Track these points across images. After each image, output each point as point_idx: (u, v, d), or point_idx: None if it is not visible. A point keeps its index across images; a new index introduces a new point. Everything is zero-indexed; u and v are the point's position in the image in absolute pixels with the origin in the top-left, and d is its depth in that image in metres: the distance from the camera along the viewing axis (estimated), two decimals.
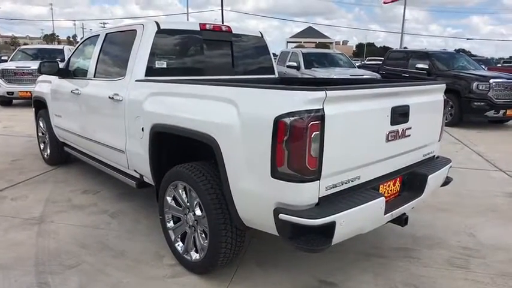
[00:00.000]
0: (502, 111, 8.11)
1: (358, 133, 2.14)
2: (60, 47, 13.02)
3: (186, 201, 2.64)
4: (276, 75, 4.19)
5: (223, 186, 2.27)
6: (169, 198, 2.79)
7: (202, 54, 3.55)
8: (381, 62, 21.76)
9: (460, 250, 3.08)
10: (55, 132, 4.74)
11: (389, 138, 2.35)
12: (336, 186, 2.09)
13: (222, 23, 46.70)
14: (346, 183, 2.15)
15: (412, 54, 10.05)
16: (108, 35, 3.76)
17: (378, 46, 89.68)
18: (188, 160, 2.70)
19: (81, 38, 5.45)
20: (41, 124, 5.21)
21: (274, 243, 3.04)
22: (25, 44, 41.59)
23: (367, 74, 9.53)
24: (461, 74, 8.59)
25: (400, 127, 2.41)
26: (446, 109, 2.96)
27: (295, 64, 10.12)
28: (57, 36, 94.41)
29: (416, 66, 9.23)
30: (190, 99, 2.50)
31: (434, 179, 2.68)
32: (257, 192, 2.07)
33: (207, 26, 3.53)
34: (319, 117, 1.88)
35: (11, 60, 11.93)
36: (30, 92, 10.35)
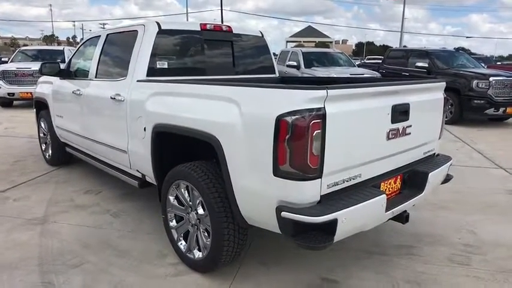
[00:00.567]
0: (501, 109, 8.13)
1: (359, 131, 2.16)
2: (60, 48, 13.03)
3: (188, 200, 2.66)
4: (277, 74, 4.21)
5: (226, 185, 2.29)
6: (171, 198, 2.81)
7: (203, 54, 3.57)
8: (380, 61, 21.81)
9: (461, 247, 3.09)
10: (56, 132, 4.76)
11: (390, 136, 2.37)
12: (338, 184, 2.11)
13: (222, 23, 46.66)
14: (347, 181, 2.16)
15: (412, 53, 10.07)
16: (109, 36, 3.77)
17: (378, 45, 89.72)
18: (189, 160, 2.72)
19: (81, 39, 5.47)
20: (43, 125, 5.23)
21: (276, 241, 3.06)
22: (24, 45, 41.60)
23: (367, 73, 9.54)
24: (461, 72, 8.61)
25: (400, 125, 2.42)
26: (446, 107, 2.97)
27: (295, 63, 10.14)
28: (57, 37, 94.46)
29: (416, 64, 9.24)
30: (191, 99, 2.52)
31: (434, 177, 2.70)
32: (259, 190, 2.09)
33: (208, 26, 3.55)
34: (321, 115, 1.90)
35: (11, 62, 11.95)
36: (30, 93, 10.43)
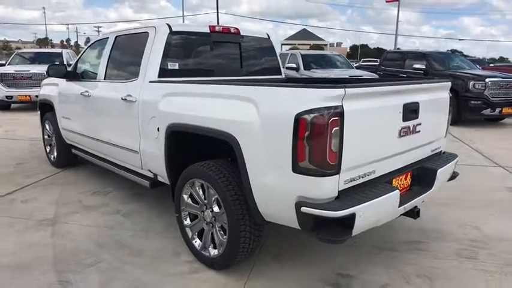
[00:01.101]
0: (498, 109, 8.28)
1: (373, 129, 2.23)
2: (58, 50, 13.01)
3: (203, 198, 2.71)
4: (283, 75, 4.28)
5: (243, 182, 2.34)
6: (185, 196, 2.85)
7: (212, 55, 3.63)
8: (375, 63, 21.99)
9: (467, 242, 3.17)
10: (62, 134, 4.78)
11: (402, 134, 2.44)
12: (354, 180, 2.17)
13: (218, 23, 46.59)
14: (362, 177, 2.23)
15: (409, 55, 10.21)
16: (118, 38, 3.82)
17: (372, 47, 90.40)
18: (202, 159, 2.77)
19: (76, 42, 5.50)
20: (47, 127, 5.24)
21: (288, 238, 3.12)
22: (18, 48, 41.30)
23: (365, 75, 9.65)
24: (458, 73, 8.76)
25: (411, 123, 2.50)
26: (451, 106, 3.06)
27: (294, 65, 10.23)
28: (51, 40, 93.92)
29: (413, 66, 9.38)
30: (207, 99, 2.57)
31: (442, 173, 2.78)
32: (278, 187, 2.15)
33: (217, 28, 3.61)
34: (339, 113, 1.96)
35: (8, 64, 11.91)
36: (29, 96, 10.44)
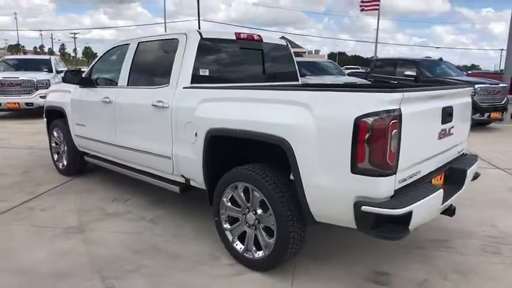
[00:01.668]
0: (486, 114, 8.69)
1: (420, 131, 2.36)
2: (46, 57, 12.70)
3: (245, 201, 2.76)
4: (300, 81, 4.39)
5: (296, 184, 2.41)
6: (225, 200, 2.89)
7: (238, 61, 3.71)
8: (358, 71, 22.50)
9: (488, 239, 3.35)
10: (75, 141, 4.72)
11: (440, 136, 2.59)
12: (405, 180, 2.29)
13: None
14: (411, 177, 2.35)
15: (400, 62, 10.57)
16: (141, 44, 3.83)
17: (349, 55, 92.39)
18: (240, 163, 2.83)
19: (49, 49, 5.45)
20: (56, 134, 5.15)
21: (324, 240, 3.21)
22: None
23: (358, 81, 9.90)
24: (448, 79, 9.14)
25: (447, 126, 2.65)
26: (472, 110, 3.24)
27: None
28: (23, 46, 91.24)
29: (404, 73, 9.72)
30: (255, 104, 2.64)
31: (471, 173, 2.94)
32: (334, 187, 2.23)
33: (242, 35, 3.69)
34: (397, 116, 2.08)
35: None
36: (18, 103, 10.17)
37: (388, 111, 2.06)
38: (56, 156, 5.28)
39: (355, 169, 2.13)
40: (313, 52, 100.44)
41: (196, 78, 3.27)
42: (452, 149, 2.92)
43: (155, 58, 3.73)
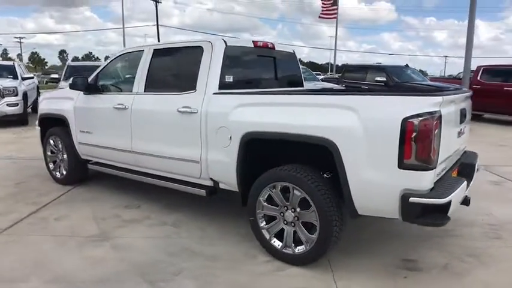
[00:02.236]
0: None
1: (449, 130, 2.66)
2: (10, 63, 12.02)
3: (284, 200, 2.92)
4: (305, 87, 4.62)
5: (341, 182, 2.61)
6: (262, 199, 3.03)
7: (255, 68, 3.88)
8: (334, 77, 23.26)
9: (488, 226, 3.74)
10: (79, 149, 4.61)
11: (459, 135, 2.92)
12: (439, 174, 2.57)
13: (158, 38, 45.68)
14: (442, 171, 2.64)
15: (370, 68, 11.21)
16: (158, 51, 3.87)
17: (305, 61, 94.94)
18: (275, 164, 3.00)
19: None
20: (52, 142, 4.99)
21: (347, 236, 3.42)
22: None
23: (335, 87, 10.36)
24: (416, 84, 9.84)
25: (462, 126, 2.99)
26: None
27: None
28: None
29: (375, 78, 10.32)
30: (297, 108, 2.82)
31: (477, 167, 3.31)
32: (382, 182, 2.46)
33: (258, 43, 3.86)
34: (439, 117, 2.36)
35: None
36: None
37: (431, 113, 2.33)
38: (52, 166, 5.11)
39: (402, 165, 2.37)
40: None
41: (222, 84, 3.39)
42: (462, 146, 3.27)
43: (176, 65, 3.80)
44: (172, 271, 2.89)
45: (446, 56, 68.30)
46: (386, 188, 2.45)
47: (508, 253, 3.21)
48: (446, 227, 3.64)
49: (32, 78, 12.35)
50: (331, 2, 31.22)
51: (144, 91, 3.86)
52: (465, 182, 2.69)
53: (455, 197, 2.47)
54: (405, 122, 2.33)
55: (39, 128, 5.18)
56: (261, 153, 3.12)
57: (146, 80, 3.86)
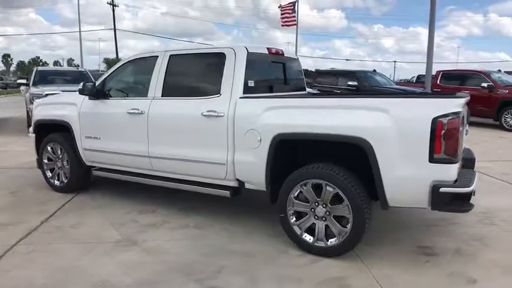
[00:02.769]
0: None
1: (463, 128, 3.01)
2: None
3: (315, 196, 3.13)
4: (306, 90, 4.88)
5: (374, 176, 2.86)
6: (293, 197, 3.22)
7: (269, 73, 4.07)
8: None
9: (481, 214, 4.16)
10: (84, 155, 4.53)
11: (465, 133, 3.29)
12: (459, 168, 2.91)
13: (116, 43, 44.11)
14: (460, 165, 2.98)
15: (341, 73, 11.79)
16: (175, 57, 3.94)
17: None
18: (301, 163, 3.21)
19: None
20: (50, 150, 4.84)
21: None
22: None
23: (311, 91, 10.79)
24: (387, 88, 10.50)
25: (466, 126, 3.37)
26: None
27: None
28: None
29: (348, 83, 10.88)
30: (330, 110, 3.04)
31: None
32: (413, 176, 2.75)
33: (272, 50, 4.05)
34: (462, 116, 2.69)
35: None
36: None
37: (457, 113, 2.65)
38: (49, 174, 4.94)
39: (432, 159, 2.67)
40: None
41: (245, 89, 3.55)
42: (466, 144, 3.67)
43: (196, 70, 3.88)
44: (213, 269, 2.98)
45: (395, 62, 72.25)
46: (418, 181, 2.74)
47: (505, 236, 3.63)
48: (445, 217, 4.06)
49: None
50: (291, 9, 32.19)
51: (162, 96, 3.91)
52: (477, 174, 3.06)
53: (475, 186, 2.82)
54: (435, 121, 2.64)
55: (33, 135, 5.00)
56: (289, 153, 3.31)
57: (163, 85, 3.91)
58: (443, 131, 2.63)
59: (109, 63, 45.73)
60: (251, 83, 3.64)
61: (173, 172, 3.92)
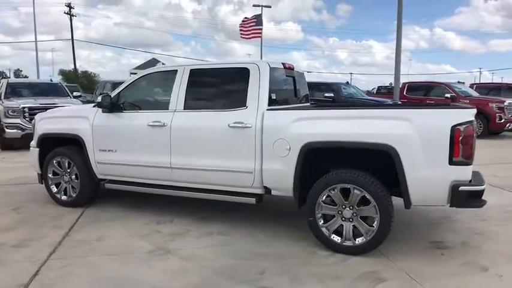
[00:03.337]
0: None
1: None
2: None
3: (343, 199, 3.41)
4: (309, 102, 5.21)
5: (400, 179, 3.19)
6: (321, 200, 3.48)
7: (286, 87, 4.35)
8: None
9: (474, 211, 4.61)
10: (96, 168, 4.52)
11: None
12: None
13: (73, 52, 42.56)
14: None
15: (317, 85, 12.33)
16: (196, 71, 4.10)
17: None
18: (326, 169, 3.50)
19: None
20: (56, 164, 4.77)
21: None
22: None
23: None
24: (363, 100, 11.14)
25: None
26: None
27: None
28: None
29: (324, 95, 11.40)
30: (358, 120, 3.35)
31: None
32: (435, 177, 3.11)
33: (286, 65, 4.34)
34: (474, 124, 3.10)
35: None
36: None
37: (471, 121, 3.07)
38: (54, 188, 4.85)
39: (452, 162, 3.05)
40: None
41: (270, 101, 3.80)
42: None
43: (219, 84, 4.07)
44: (256, 271, 3.15)
45: (351, 73, 75.54)
46: (439, 181, 3.11)
47: (498, 229, 4.11)
48: (443, 215, 4.50)
49: None
50: (255, 22, 32.86)
51: (184, 109, 4.05)
52: (481, 175, 3.49)
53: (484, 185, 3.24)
54: (454, 128, 3.03)
55: (37, 149, 4.90)
56: (312, 160, 3.57)
57: (185, 98, 4.06)
58: (461, 137, 3.03)
59: (66, 75, 43.87)
60: (274, 96, 3.88)
61: (194, 182, 4.04)
